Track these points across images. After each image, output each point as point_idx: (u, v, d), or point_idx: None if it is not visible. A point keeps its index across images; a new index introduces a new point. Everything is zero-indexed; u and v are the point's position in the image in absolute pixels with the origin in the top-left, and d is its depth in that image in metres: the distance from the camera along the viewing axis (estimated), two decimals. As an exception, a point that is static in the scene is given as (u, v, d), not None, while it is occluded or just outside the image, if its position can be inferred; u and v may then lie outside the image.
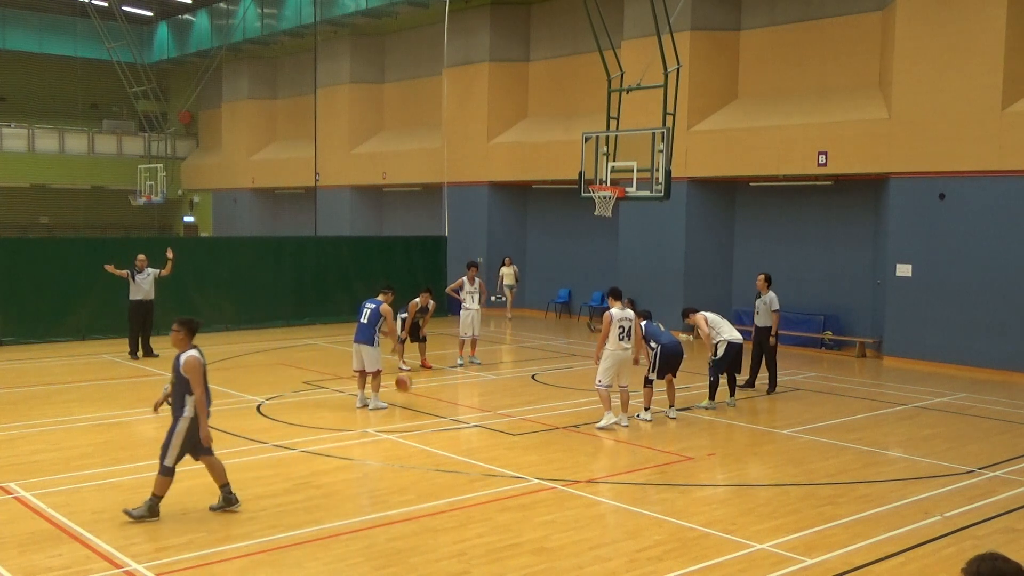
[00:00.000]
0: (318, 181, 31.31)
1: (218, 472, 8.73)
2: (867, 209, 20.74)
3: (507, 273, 26.35)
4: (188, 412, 8.41)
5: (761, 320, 15.54)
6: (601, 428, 12.47)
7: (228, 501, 8.74)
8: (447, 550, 7.82)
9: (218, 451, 11.03)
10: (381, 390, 13.68)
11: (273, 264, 23.84)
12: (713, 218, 23.04)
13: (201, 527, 8.28)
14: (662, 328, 13.45)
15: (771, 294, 15.56)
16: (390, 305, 13.70)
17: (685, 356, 13.57)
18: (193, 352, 8.44)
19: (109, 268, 17.94)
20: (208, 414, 8.49)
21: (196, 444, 8.49)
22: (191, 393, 8.37)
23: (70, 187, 40.58)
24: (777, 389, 15.62)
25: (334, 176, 33.25)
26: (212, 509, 8.70)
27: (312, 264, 24.40)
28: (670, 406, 13.37)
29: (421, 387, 15.68)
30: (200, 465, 8.85)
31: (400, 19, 31.47)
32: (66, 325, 20.30)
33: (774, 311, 15.45)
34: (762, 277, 15.77)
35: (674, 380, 13.35)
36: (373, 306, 13.57)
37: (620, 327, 12.43)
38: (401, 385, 14.20)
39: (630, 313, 12.61)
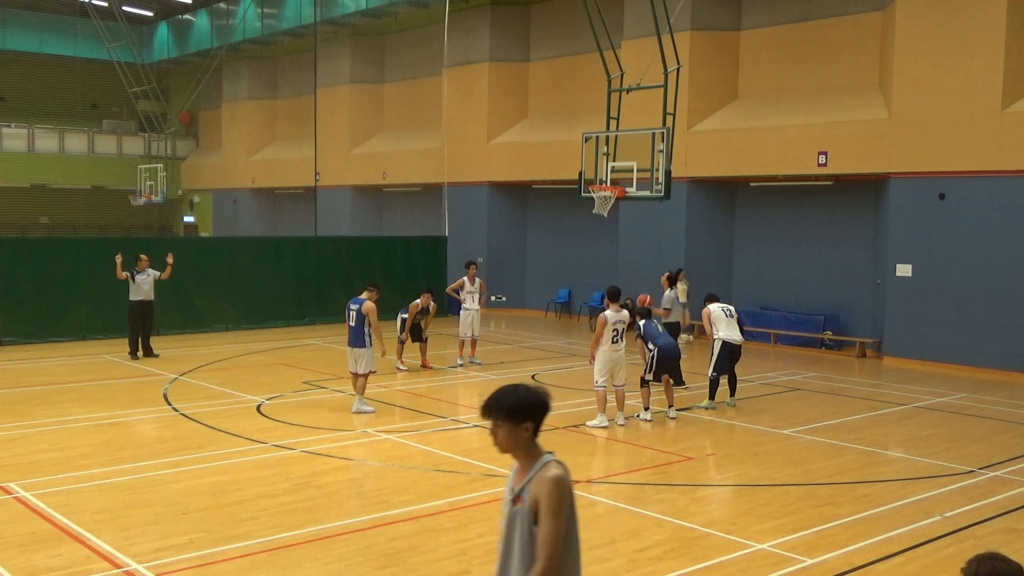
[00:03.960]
0: (318, 181, 31.30)
1: None
2: (867, 209, 20.73)
3: (682, 290, 19.87)
4: None
5: (672, 316, 16.80)
6: (591, 426, 12.52)
7: None
8: (447, 550, 7.82)
9: (219, 451, 11.13)
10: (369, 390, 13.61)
11: (273, 264, 23.82)
12: (713, 218, 23.03)
13: (201, 527, 8.28)
14: (661, 329, 13.44)
15: (667, 292, 16.99)
16: (375, 303, 13.22)
17: (684, 357, 13.56)
18: None
19: (119, 259, 17.83)
20: None
21: None
22: None
23: (70, 187, 40.58)
24: (777, 389, 15.61)
25: (334, 176, 33.24)
26: None
27: (312, 264, 24.38)
28: (669, 406, 13.36)
29: (421, 387, 15.69)
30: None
31: (400, 19, 31.46)
32: (66, 325, 20.28)
33: (664, 308, 16.78)
34: (666, 276, 17.29)
35: (671, 381, 13.35)
36: (356, 307, 13.22)
37: (614, 329, 12.48)
38: None
39: (625, 315, 12.71)
